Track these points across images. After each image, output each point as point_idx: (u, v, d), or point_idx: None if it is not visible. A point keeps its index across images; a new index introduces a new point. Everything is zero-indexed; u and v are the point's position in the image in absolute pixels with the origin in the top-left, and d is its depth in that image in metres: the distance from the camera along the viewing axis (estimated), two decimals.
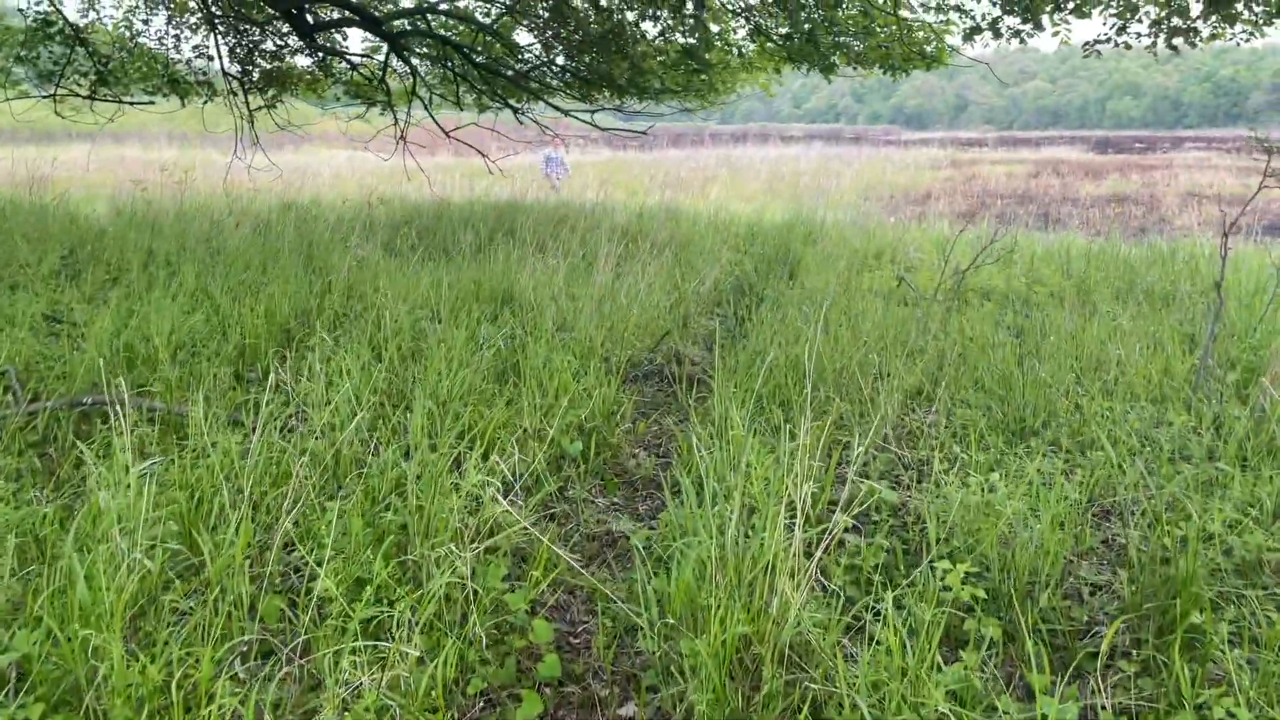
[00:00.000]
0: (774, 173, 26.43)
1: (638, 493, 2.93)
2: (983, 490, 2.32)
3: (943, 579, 2.05)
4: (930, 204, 20.60)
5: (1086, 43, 7.17)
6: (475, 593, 2.05)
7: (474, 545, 2.09)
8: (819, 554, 1.92)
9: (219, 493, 2.22)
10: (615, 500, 2.86)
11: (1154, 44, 7.00)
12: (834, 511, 2.51)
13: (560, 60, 12.42)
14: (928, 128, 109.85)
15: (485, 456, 2.72)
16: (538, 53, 12.42)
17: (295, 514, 2.16)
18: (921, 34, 9.05)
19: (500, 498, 2.27)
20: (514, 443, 2.73)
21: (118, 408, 2.36)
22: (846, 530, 2.36)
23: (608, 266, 6.50)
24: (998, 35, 7.55)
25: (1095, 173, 27.98)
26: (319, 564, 1.98)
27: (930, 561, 2.12)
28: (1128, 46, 6.99)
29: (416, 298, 4.44)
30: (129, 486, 2.03)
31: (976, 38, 8.09)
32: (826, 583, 2.15)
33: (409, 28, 11.17)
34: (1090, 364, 3.97)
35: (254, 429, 2.67)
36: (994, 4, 7.70)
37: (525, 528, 2.24)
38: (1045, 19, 7.61)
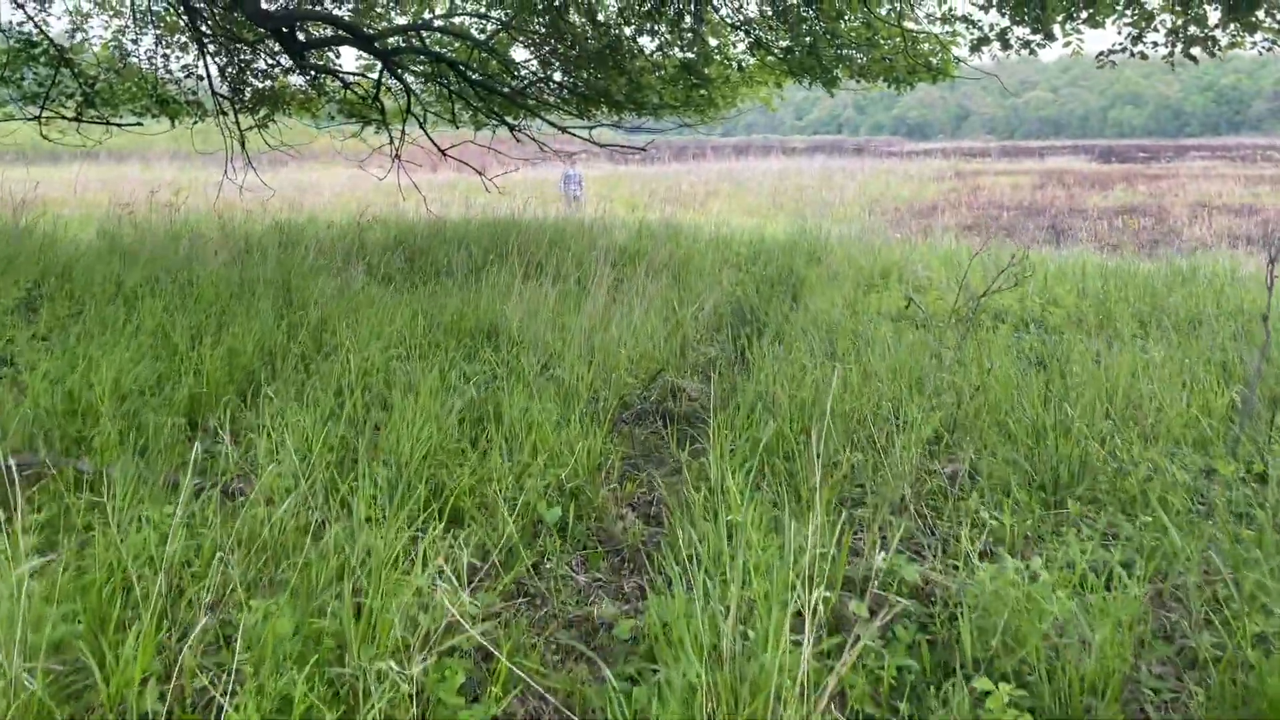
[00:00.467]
0: (777, 186, 26.17)
1: (625, 563, 2.59)
2: (1022, 578, 1.99)
3: (981, 699, 1.72)
4: (936, 217, 20.30)
5: (1101, 53, 6.87)
6: (423, 715, 1.73)
7: (426, 651, 1.78)
8: (833, 681, 1.60)
9: (131, 585, 1.90)
10: (598, 575, 2.53)
11: (1171, 54, 6.69)
12: (846, 597, 2.18)
13: (557, 76, 12.16)
14: (930, 138, 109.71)
15: (449, 529, 2.40)
16: (534, 69, 12.17)
17: (219, 612, 1.85)
18: (926, 45, 8.76)
19: (461, 585, 1.96)
20: (482, 512, 2.41)
21: (25, 470, 2.04)
22: (864, 619, 2.04)
23: (601, 290, 6.19)
24: (1006, 46, 7.25)
25: (1101, 183, 27.68)
26: (239, 680, 1.67)
27: (965, 674, 1.79)
28: (1143, 57, 6.68)
29: (392, 333, 4.12)
30: (17, 583, 1.72)
31: (984, 49, 7.79)
32: (840, 716, 1.81)
33: (403, 45, 10.91)
34: (1122, 403, 3.63)
35: (189, 496, 2.35)
36: (1003, 14, 7.41)
37: (487, 625, 1.92)
38: (1056, 29, 7.32)
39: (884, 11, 8.78)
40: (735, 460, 2.85)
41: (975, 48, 7.73)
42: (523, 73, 11.96)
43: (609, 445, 3.22)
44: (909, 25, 8.22)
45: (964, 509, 2.68)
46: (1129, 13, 6.59)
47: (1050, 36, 7.03)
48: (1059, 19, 7.22)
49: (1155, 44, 6.63)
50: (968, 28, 7.68)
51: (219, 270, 6.08)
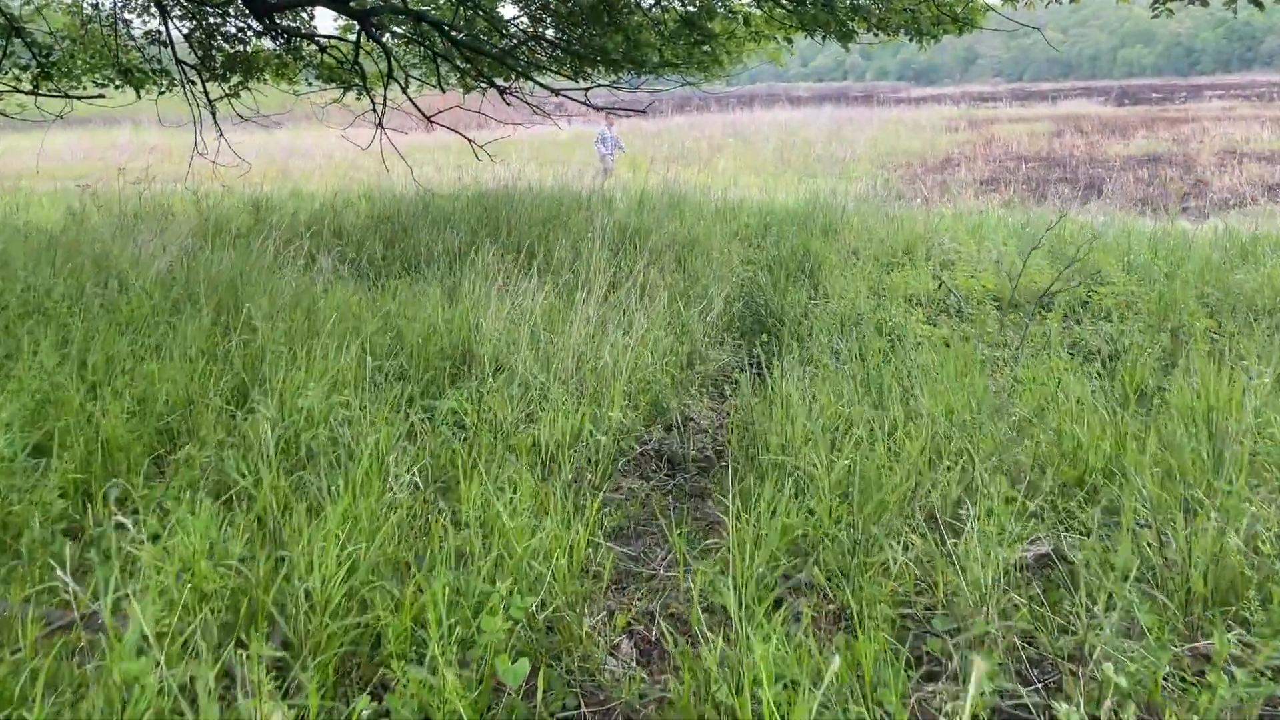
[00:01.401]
0: (784, 140, 25.24)
1: None
2: None
3: None
4: (951, 171, 19.42)
5: (1154, 2, 6.09)
6: None
7: None
8: None
9: None
10: None
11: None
12: None
13: (549, 34, 11.34)
14: (937, 83, 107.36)
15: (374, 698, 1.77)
16: (525, 26, 11.34)
17: None
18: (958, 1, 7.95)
19: None
20: (412, 685, 1.76)
21: None
22: None
23: (597, 288, 5.49)
24: None
25: (1120, 129, 26.67)
26: None
27: None
28: (1204, 3, 5.89)
29: (341, 370, 3.43)
30: None
31: None
32: None
33: (380, 4, 10.08)
34: (1245, 458, 2.88)
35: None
36: None
37: None
38: None
39: None
40: (756, 565, 2.20)
41: None
42: (511, 31, 11.14)
43: (596, 535, 2.56)
44: None
45: (1073, 646, 2.03)
46: None
47: None
48: None
49: None
50: None
51: (164, 268, 5.39)
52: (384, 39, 10.57)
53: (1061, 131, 26.35)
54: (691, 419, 3.84)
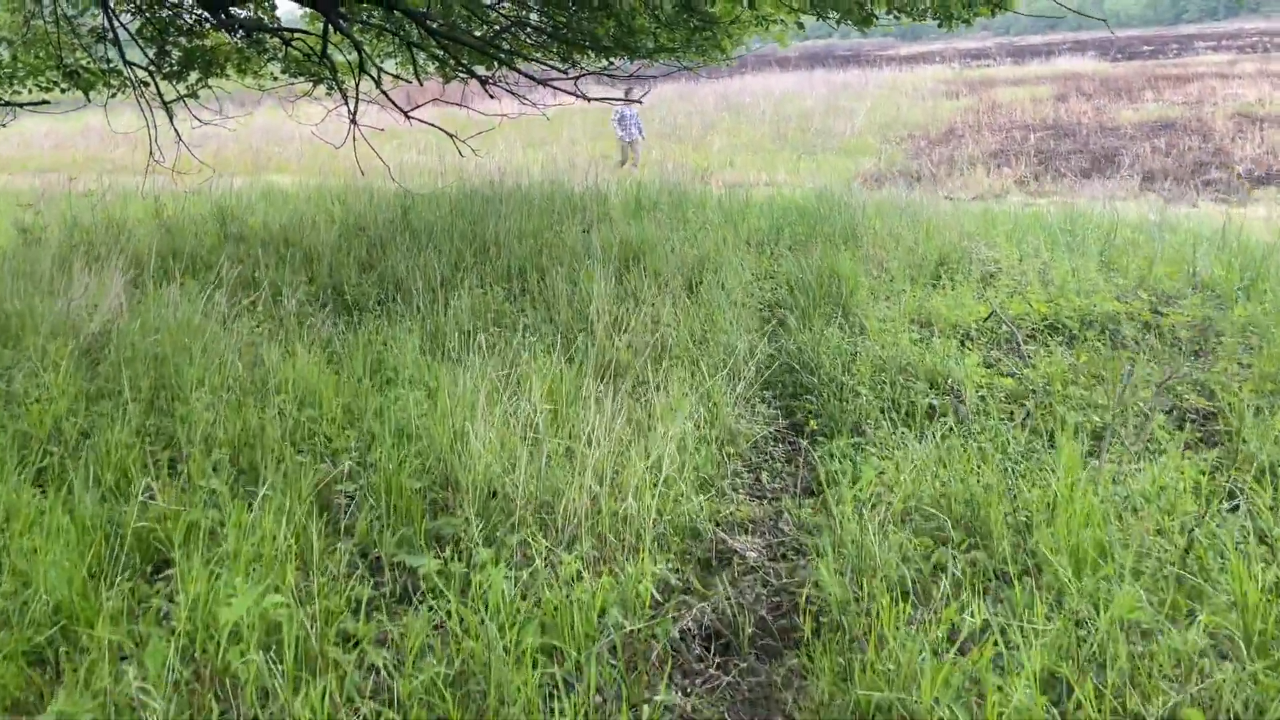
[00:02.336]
0: (778, 112, 24.27)
1: None
2: None
3: None
4: (958, 145, 18.55)
5: None
6: None
7: None
8: None
9: None
10: None
11: None
12: None
13: (534, 19, 10.43)
14: (923, 38, 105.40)
15: None
16: (508, 10, 10.44)
17: None
18: None
19: None
20: None
21: None
22: None
23: (601, 334, 4.72)
24: None
25: (1125, 91, 25.77)
26: None
27: None
28: None
29: (287, 541, 2.62)
30: None
31: None
32: None
33: None
34: None
35: None
36: None
37: None
38: None
39: None
40: None
41: None
42: (493, 17, 10.23)
43: None
44: None
45: None
46: None
47: None
48: None
49: None
50: None
51: (95, 332, 4.57)
52: (353, 30, 9.65)
53: (1065, 95, 25.44)
54: (735, 551, 3.07)
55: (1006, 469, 3.21)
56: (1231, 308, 5.63)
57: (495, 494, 3.01)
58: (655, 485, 2.87)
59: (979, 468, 3.23)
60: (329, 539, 2.87)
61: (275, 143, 23.90)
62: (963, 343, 5.47)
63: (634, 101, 10.39)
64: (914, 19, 7.64)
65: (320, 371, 4.31)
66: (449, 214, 9.30)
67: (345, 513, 3.03)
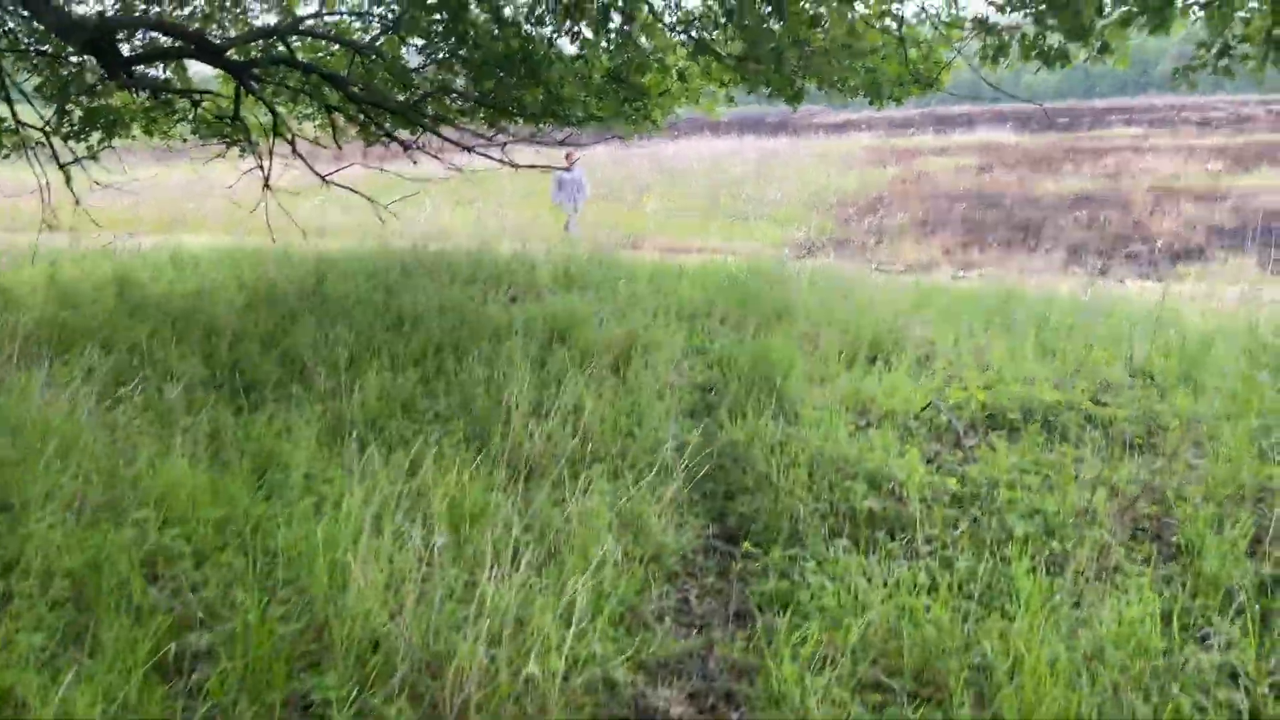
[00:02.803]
0: (712, 177, 24.37)
1: None
2: None
3: None
4: (886, 213, 18.74)
5: (1176, 70, 5.18)
6: None
7: None
8: None
9: None
10: None
11: (1264, 61, 5.04)
12: None
13: (461, 84, 10.14)
14: (850, 105, 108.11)
15: None
16: (432, 75, 10.13)
17: None
18: (915, 52, 7.00)
19: None
20: None
21: None
22: None
23: (518, 424, 4.34)
24: (1048, 62, 5.52)
25: (1045, 162, 26.50)
26: None
27: None
28: (1228, 73, 5.01)
29: None
30: None
31: (1003, 59, 6.06)
32: None
33: (259, 55, 8.78)
34: None
35: None
36: (1031, 16, 5.66)
37: None
38: (1094, 38, 5.60)
39: (859, 8, 7.00)
40: None
41: (990, 57, 5.98)
42: (416, 81, 9.91)
43: None
44: (913, 28, 6.48)
45: None
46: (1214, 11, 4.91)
47: (1106, 49, 5.33)
48: (1110, 23, 5.52)
49: (1246, 55, 4.95)
50: (981, 33, 5.92)
51: None
52: (265, 92, 9.25)
53: (988, 166, 26.05)
54: (656, 710, 2.67)
55: (959, 609, 2.88)
56: (1173, 398, 5.47)
57: (376, 646, 2.58)
58: (566, 637, 2.47)
59: (929, 604, 2.90)
60: (168, 703, 2.40)
61: (193, 198, 23.13)
62: (902, 435, 5.20)
63: (564, 169, 10.12)
64: (845, 96, 7.53)
65: (197, 476, 3.83)
66: (366, 282, 8.86)
67: (196, 669, 2.57)
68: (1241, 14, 5.11)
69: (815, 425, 5.17)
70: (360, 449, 4.23)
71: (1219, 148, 27.64)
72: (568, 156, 16.58)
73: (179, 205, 22.50)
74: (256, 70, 8.84)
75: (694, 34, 8.12)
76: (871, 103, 7.31)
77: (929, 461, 4.89)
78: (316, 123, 10.70)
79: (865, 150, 32.70)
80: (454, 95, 10.03)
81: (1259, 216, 15.90)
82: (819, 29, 6.61)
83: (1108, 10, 5.10)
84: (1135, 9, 4.92)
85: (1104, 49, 5.36)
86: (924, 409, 5.58)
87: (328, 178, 9.79)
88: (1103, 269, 12.65)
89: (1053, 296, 8.21)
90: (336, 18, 10.02)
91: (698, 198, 21.50)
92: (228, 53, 8.53)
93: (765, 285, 8.76)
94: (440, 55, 9.72)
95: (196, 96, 9.55)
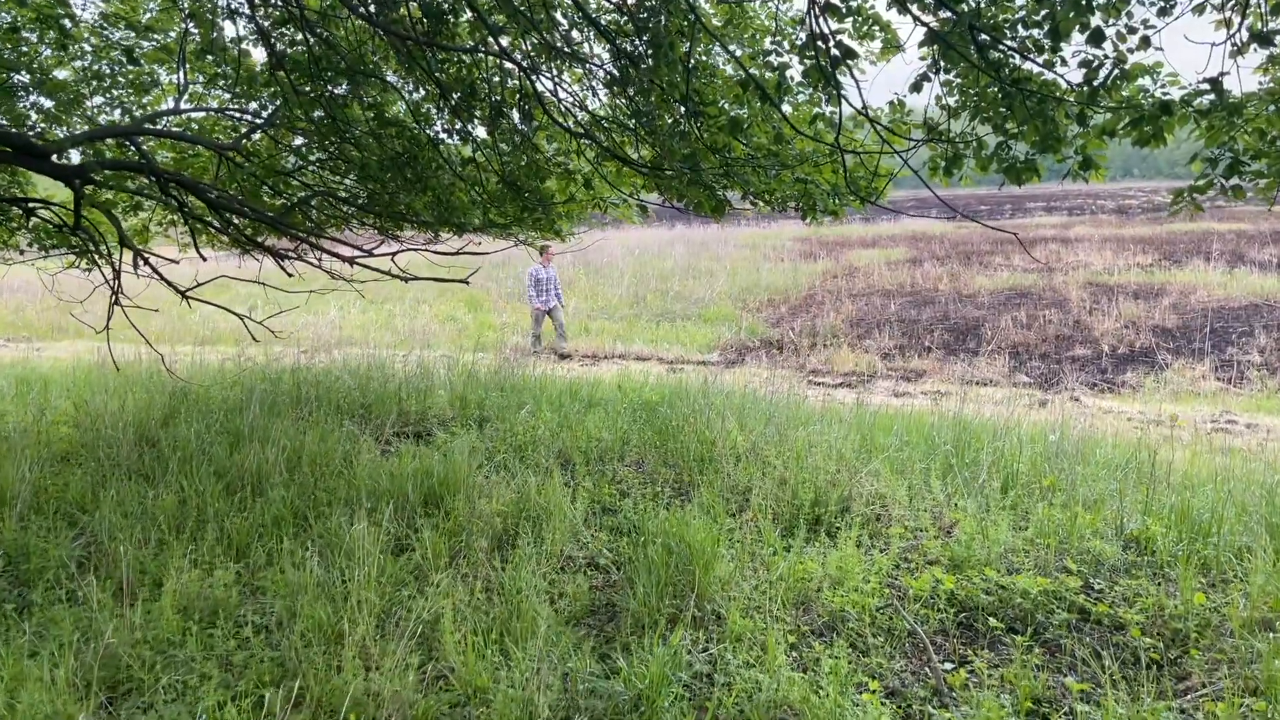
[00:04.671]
0: (638, 272, 23.48)
1: None
2: None
3: None
4: (818, 312, 17.92)
5: (1181, 192, 4.25)
6: None
7: None
8: None
9: None
10: None
11: (1275, 191, 4.14)
12: None
13: (346, 187, 9.00)
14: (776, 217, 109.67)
15: None
16: (311, 177, 8.99)
17: None
18: (853, 162, 6.06)
19: None
20: None
21: None
22: None
23: None
24: (1014, 177, 4.55)
25: (975, 256, 26.24)
26: None
27: None
28: (1238, 193, 4.09)
29: None
30: None
31: (956, 171, 5.11)
32: None
33: (94, 160, 7.53)
34: None
35: None
36: (990, 124, 4.72)
37: None
38: (1067, 148, 4.68)
39: (786, 109, 6.06)
40: None
41: (943, 169, 5.01)
42: (293, 185, 8.75)
43: None
44: (850, 134, 5.51)
45: None
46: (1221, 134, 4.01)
47: (1089, 164, 4.39)
48: (1079, 134, 4.60)
49: (1260, 175, 4.04)
50: (931, 142, 4.95)
51: None
52: (103, 198, 7.97)
53: (919, 259, 25.68)
54: None
55: None
56: (1184, 589, 4.39)
57: None
58: None
59: None
60: None
61: (36, 301, 21.39)
62: (857, 651, 4.02)
63: (457, 281, 8.92)
64: (775, 209, 6.54)
65: None
66: (219, 422, 7.49)
67: None
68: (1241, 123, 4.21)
69: (746, 645, 3.97)
70: None
71: (1144, 239, 27.76)
72: (543, 251, 15.22)
73: (24, 310, 20.74)
74: (96, 177, 7.58)
75: (602, 137, 7.12)
76: (804, 217, 6.31)
77: (891, 696, 3.71)
78: (180, 230, 9.45)
79: (794, 241, 32.35)
80: (336, 200, 8.88)
81: (1202, 317, 15.39)
82: (740, 134, 5.61)
83: (1088, 119, 4.16)
84: (1126, 118, 3.97)
85: (1086, 164, 4.41)
86: (880, 608, 4.42)
87: (187, 293, 8.51)
88: (1050, 378, 11.81)
89: (1012, 428, 7.20)
90: (203, 114, 8.85)
91: (623, 296, 20.52)
92: (56, 156, 7.26)
93: (688, 415, 7.63)
94: (317, 156, 8.62)
95: (31, 205, 8.22)
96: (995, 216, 48.83)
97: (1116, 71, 3.86)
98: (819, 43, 4.35)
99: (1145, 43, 3.95)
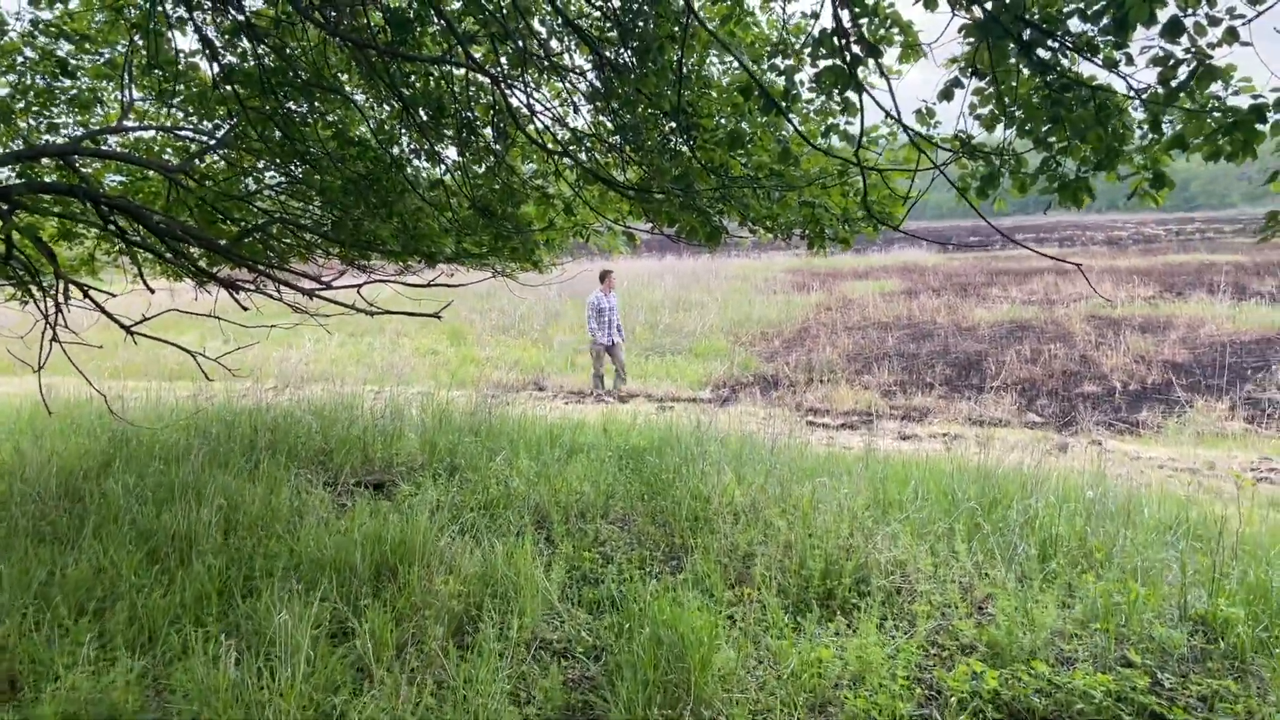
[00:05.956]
0: (627, 303, 22.77)
1: None
2: None
3: None
4: (814, 346, 17.23)
5: (1274, 215, 3.57)
6: None
7: None
8: None
9: None
10: None
11: None
12: None
13: (306, 214, 8.30)
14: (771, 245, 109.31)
15: None
16: (269, 203, 8.31)
17: None
18: (874, 180, 5.37)
19: None
20: None
21: None
22: None
23: None
24: (1071, 197, 3.87)
25: (970, 287, 25.66)
26: None
27: None
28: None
29: None
30: None
31: (992, 191, 4.42)
32: None
33: (18, 181, 6.83)
34: None
35: None
36: (1036, 138, 4.04)
37: None
38: (1126, 164, 4.01)
39: (796, 122, 5.37)
40: None
41: (979, 189, 4.32)
42: (242, 213, 8.03)
43: None
44: (848, 147, 4.82)
45: None
46: None
47: (1160, 181, 3.72)
48: (1142, 146, 3.93)
49: None
50: (964, 156, 4.27)
51: None
52: (26, 223, 7.24)
53: (914, 291, 25.08)
54: None
55: None
56: (1275, 687, 3.65)
57: None
58: None
59: None
60: None
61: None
62: None
63: (428, 315, 8.18)
64: (778, 236, 5.85)
65: None
66: (156, 474, 6.71)
67: None
68: None
69: None
70: None
71: (1141, 270, 27.25)
72: (604, 277, 14.30)
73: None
74: (20, 198, 6.85)
75: (584, 157, 6.44)
76: (811, 245, 5.62)
77: None
78: (111, 258, 8.73)
79: (786, 273, 31.77)
80: (297, 228, 8.16)
81: (1214, 351, 14.76)
82: (740, 151, 4.92)
83: (1161, 127, 3.47)
84: (1211, 125, 3.29)
85: (1158, 181, 3.72)
86: (914, 716, 3.66)
87: (133, 329, 7.74)
88: (1066, 419, 11.11)
89: (1040, 479, 6.47)
90: (151, 133, 8.16)
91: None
92: None
93: (679, 465, 6.89)
94: (275, 179, 7.93)
95: None
96: (988, 248, 48.51)
97: (1202, 69, 3.17)
98: (835, 39, 3.66)
99: (1232, 36, 3.27)
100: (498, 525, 5.83)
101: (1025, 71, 3.99)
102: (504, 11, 5.72)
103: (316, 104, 7.02)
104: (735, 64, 5.48)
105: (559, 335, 19.12)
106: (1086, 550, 5.18)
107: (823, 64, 3.79)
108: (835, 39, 3.63)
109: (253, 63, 6.18)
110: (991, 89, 4.18)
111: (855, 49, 3.68)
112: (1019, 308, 20.71)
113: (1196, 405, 11.08)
